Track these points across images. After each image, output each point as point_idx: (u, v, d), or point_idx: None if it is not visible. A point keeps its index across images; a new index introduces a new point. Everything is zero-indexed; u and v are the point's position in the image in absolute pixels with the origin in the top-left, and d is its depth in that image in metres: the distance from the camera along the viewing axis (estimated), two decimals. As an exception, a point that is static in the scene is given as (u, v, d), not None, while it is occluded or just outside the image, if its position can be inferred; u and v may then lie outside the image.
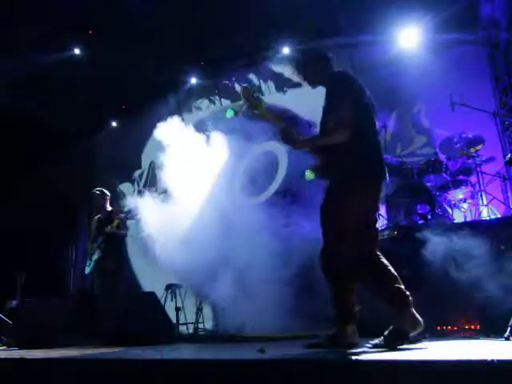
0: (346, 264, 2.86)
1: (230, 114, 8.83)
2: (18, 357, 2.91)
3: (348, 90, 2.97)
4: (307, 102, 8.76)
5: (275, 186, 8.27)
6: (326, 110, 3.07)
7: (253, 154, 8.58)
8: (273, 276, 5.29)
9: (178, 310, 6.66)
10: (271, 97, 9.02)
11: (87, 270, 6.01)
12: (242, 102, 3.29)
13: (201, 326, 6.64)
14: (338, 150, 2.89)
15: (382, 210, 6.55)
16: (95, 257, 5.90)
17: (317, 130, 3.22)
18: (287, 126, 3.09)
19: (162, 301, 6.21)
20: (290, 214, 6.82)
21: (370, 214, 2.99)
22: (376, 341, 2.75)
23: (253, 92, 3.20)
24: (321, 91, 3.20)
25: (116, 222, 5.93)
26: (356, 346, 2.76)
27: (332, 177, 2.99)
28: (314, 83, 3.31)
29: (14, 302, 6.87)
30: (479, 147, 6.00)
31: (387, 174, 3.00)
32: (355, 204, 2.88)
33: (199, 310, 6.64)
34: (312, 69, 3.25)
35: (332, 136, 2.93)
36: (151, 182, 9.45)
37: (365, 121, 2.98)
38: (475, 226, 4.63)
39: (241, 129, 8.52)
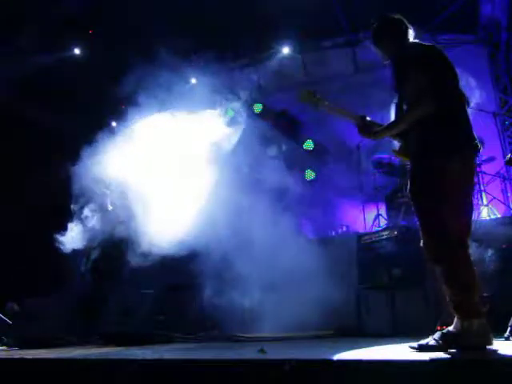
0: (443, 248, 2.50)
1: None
2: (18, 357, 2.91)
3: (426, 56, 2.65)
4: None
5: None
6: (404, 85, 2.70)
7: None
8: (273, 276, 5.29)
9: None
10: (272, 96, 9.03)
11: (83, 270, 6.01)
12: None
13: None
14: (419, 124, 2.59)
15: (382, 210, 6.56)
16: (93, 256, 5.91)
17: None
18: (362, 118, 2.85)
19: (162, 301, 6.20)
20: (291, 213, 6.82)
21: (462, 192, 2.65)
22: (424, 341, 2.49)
23: (312, 93, 3.09)
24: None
25: (115, 222, 5.94)
26: (485, 347, 2.37)
27: (414, 155, 2.70)
28: (390, 54, 2.93)
29: (16, 307, 6.84)
30: (479, 147, 5.99)
31: (479, 145, 2.66)
32: (443, 182, 2.55)
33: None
34: (390, 38, 2.93)
35: (415, 110, 2.59)
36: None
37: (450, 89, 2.64)
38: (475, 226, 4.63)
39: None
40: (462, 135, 2.61)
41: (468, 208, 2.70)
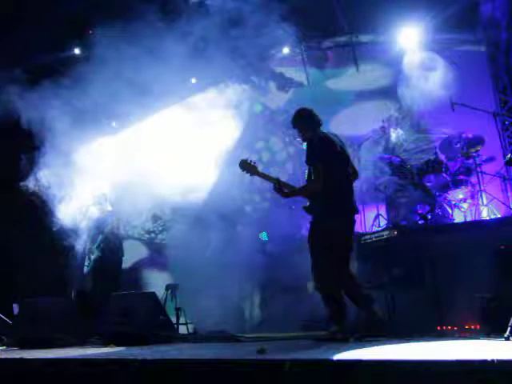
0: (328, 278, 3.60)
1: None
2: (18, 357, 2.92)
3: (322, 149, 3.70)
4: (308, 101, 8.79)
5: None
6: (309, 163, 3.78)
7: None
8: (270, 276, 5.29)
9: (178, 310, 6.65)
10: (272, 96, 9.01)
11: (86, 270, 6.02)
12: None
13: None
14: (319, 193, 3.68)
15: (382, 210, 6.56)
16: (94, 256, 5.91)
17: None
18: (278, 181, 3.85)
19: (162, 301, 6.20)
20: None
21: (347, 241, 3.72)
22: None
23: (250, 162, 4.05)
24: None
25: (116, 223, 5.95)
26: (347, 340, 3.43)
27: (315, 213, 3.78)
28: (303, 137, 3.95)
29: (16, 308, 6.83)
30: (479, 147, 5.99)
31: (357, 209, 3.84)
32: (333, 233, 3.63)
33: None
34: (301, 126, 3.96)
35: (309, 188, 3.83)
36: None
37: (337, 171, 3.74)
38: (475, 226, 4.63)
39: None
40: (345, 204, 3.74)
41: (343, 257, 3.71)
